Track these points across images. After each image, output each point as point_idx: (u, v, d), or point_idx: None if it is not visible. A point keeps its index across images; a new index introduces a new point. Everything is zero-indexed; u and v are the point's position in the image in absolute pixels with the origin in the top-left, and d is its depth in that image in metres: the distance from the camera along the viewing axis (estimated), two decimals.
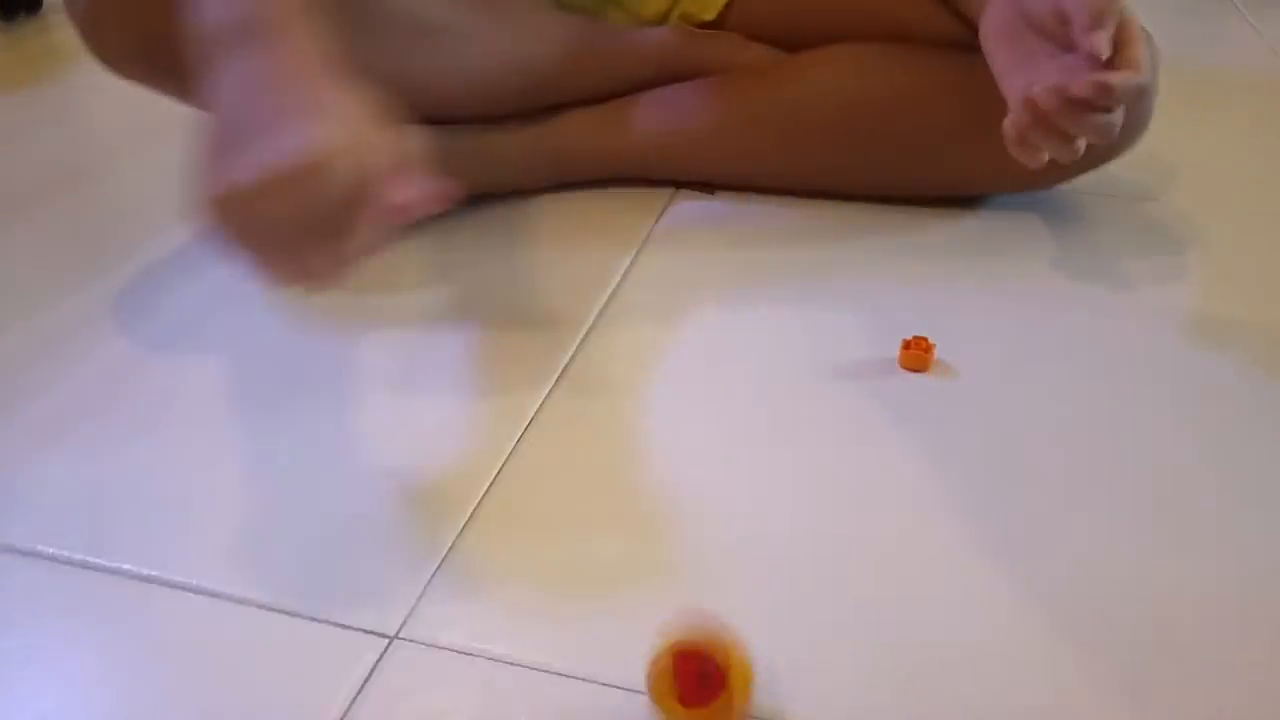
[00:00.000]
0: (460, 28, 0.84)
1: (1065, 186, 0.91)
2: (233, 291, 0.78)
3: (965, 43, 0.84)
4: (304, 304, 0.77)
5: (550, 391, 0.67)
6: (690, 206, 0.92)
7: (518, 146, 0.90)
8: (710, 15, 0.98)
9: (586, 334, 0.73)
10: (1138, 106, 0.82)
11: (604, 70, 0.94)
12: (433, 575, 0.54)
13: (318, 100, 0.53)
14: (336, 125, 0.51)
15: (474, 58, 0.86)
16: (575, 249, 0.85)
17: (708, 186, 0.94)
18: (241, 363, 0.71)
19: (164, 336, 0.74)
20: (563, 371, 0.69)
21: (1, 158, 1.04)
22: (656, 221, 0.89)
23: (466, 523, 0.57)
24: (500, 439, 0.64)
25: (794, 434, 0.64)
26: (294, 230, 0.52)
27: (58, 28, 1.41)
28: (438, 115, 0.87)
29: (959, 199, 0.91)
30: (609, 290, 0.79)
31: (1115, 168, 0.88)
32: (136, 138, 1.06)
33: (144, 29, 0.72)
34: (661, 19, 1.00)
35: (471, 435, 0.64)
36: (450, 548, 0.56)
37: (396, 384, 0.68)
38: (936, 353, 0.70)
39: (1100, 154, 0.85)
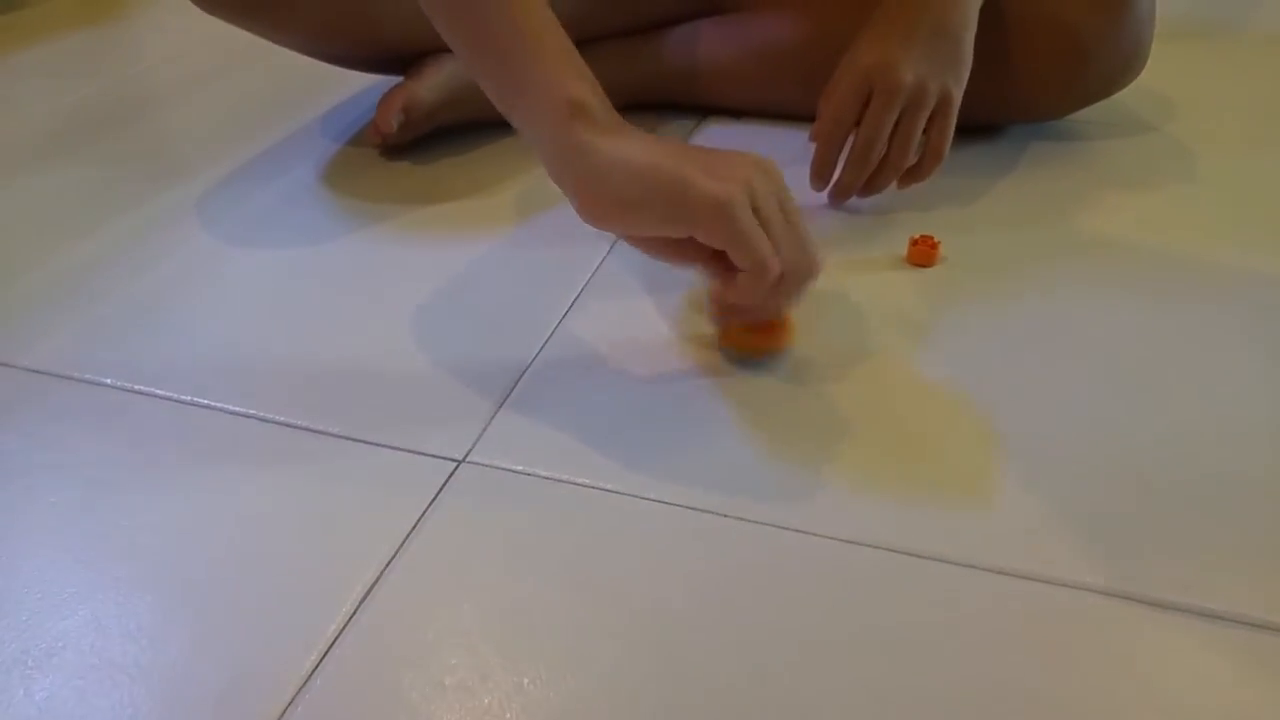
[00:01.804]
0: None
1: (1073, 116, 0.97)
2: (299, 196, 0.87)
3: None
4: (359, 209, 0.85)
5: (605, 256, 0.75)
6: (718, 131, 0.99)
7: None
8: None
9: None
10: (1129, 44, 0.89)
11: (637, 10, 1.01)
12: (498, 407, 0.62)
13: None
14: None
15: None
16: None
17: (733, 114, 1.01)
18: (312, 249, 0.79)
19: (241, 232, 0.82)
20: (610, 249, 0.77)
21: (76, 88, 1.12)
22: (690, 138, 0.96)
23: (529, 364, 0.65)
24: (564, 291, 0.72)
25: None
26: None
27: None
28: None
29: (968, 128, 0.98)
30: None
31: (1123, 98, 0.95)
32: (202, 72, 1.15)
33: None
34: None
35: (530, 298, 0.71)
36: (514, 385, 0.63)
37: (459, 264, 0.76)
38: (942, 250, 0.76)
39: (1099, 87, 0.92)
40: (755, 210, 0.58)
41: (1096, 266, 0.76)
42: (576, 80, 0.60)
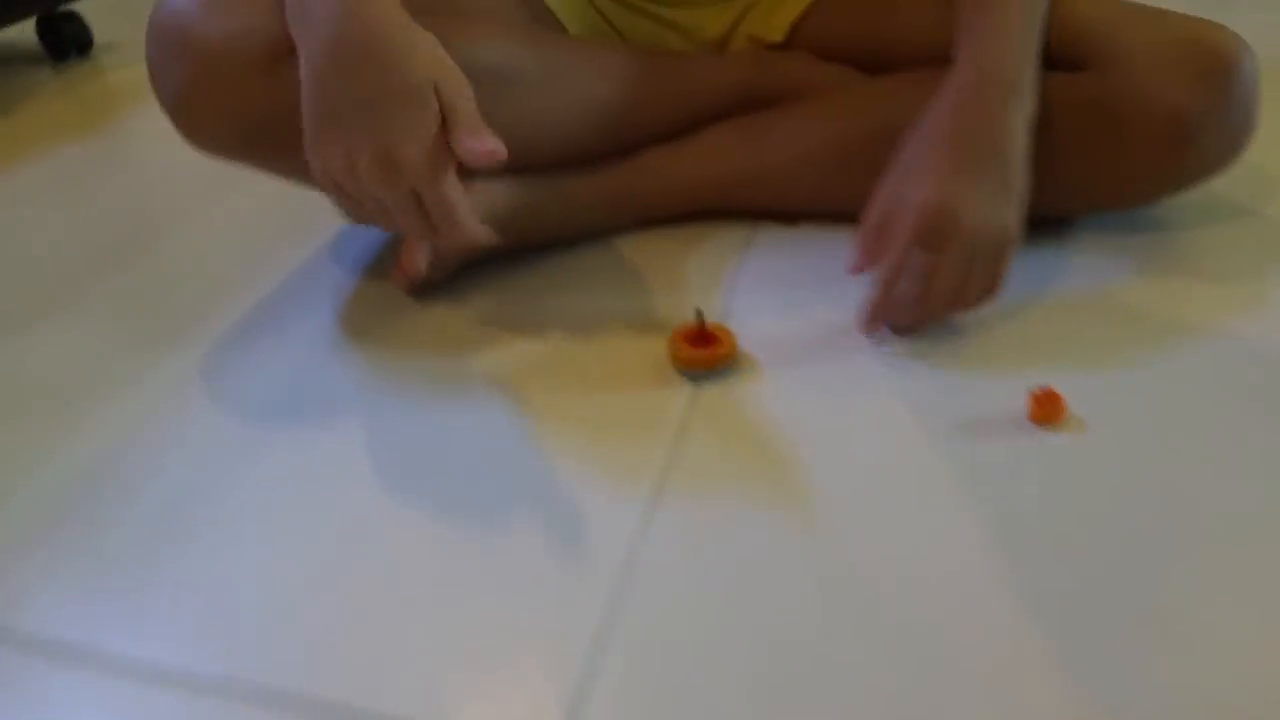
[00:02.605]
0: (533, 75, 0.82)
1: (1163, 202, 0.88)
2: (318, 357, 0.77)
3: (1045, 61, 0.80)
4: (399, 366, 0.75)
5: (674, 448, 0.65)
6: (773, 240, 0.89)
7: (597, 190, 0.88)
8: (779, 36, 0.96)
9: (693, 394, 0.71)
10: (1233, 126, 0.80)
11: (678, 104, 0.92)
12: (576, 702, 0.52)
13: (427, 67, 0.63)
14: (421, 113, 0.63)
15: (549, 105, 0.83)
16: (662, 297, 0.82)
17: (789, 218, 0.92)
18: (341, 436, 0.69)
19: (256, 417, 0.71)
20: (680, 427, 0.67)
21: (67, 212, 1.02)
22: (741, 262, 0.86)
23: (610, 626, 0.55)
24: (628, 496, 0.62)
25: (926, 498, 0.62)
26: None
27: (110, 69, 1.40)
28: (515, 165, 0.84)
29: (1047, 219, 0.88)
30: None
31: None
32: (201, 186, 1.04)
33: (243, 112, 0.70)
34: (723, 40, 0.98)
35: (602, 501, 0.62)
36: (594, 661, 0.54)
37: (525, 450, 0.66)
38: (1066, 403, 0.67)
39: (1201, 171, 0.83)
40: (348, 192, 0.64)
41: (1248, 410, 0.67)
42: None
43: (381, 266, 0.88)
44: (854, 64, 0.92)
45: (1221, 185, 0.90)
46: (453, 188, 0.65)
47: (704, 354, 0.73)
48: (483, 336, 0.78)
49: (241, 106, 0.70)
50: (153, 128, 1.21)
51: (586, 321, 0.79)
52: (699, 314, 0.73)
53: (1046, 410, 0.66)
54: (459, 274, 0.83)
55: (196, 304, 0.85)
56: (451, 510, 0.62)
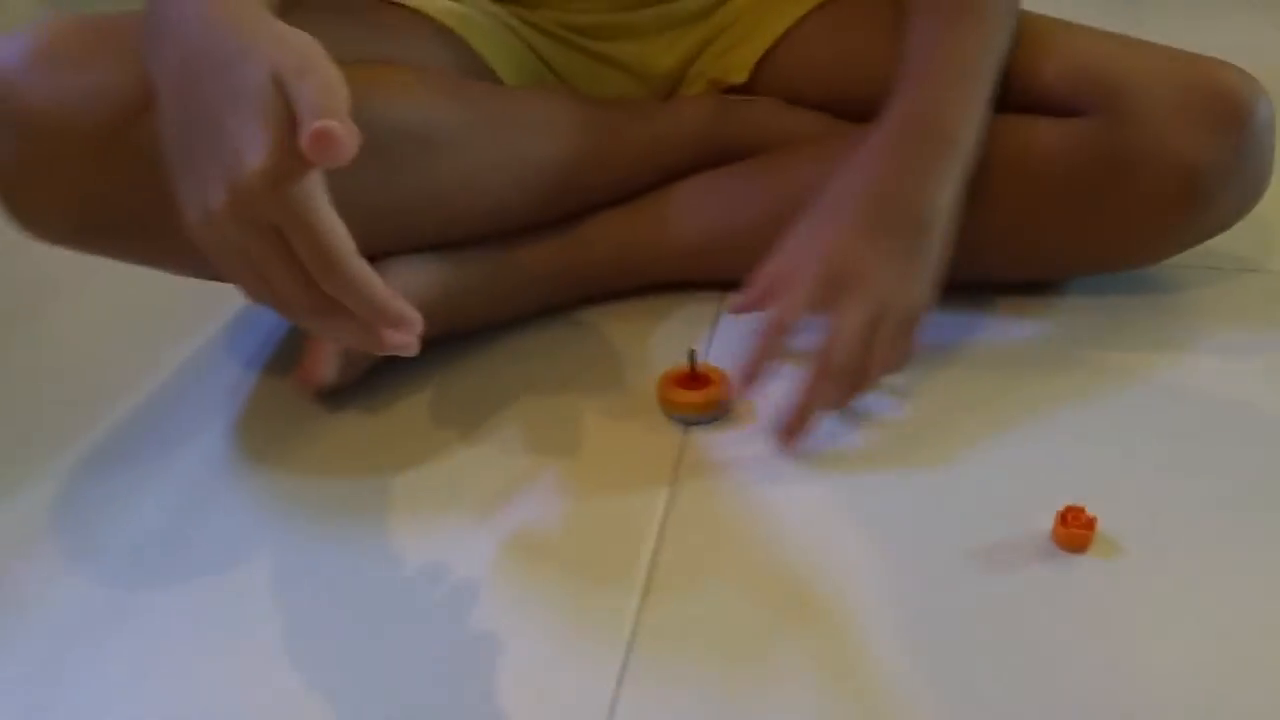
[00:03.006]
0: (459, 133, 0.70)
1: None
2: (211, 484, 0.64)
3: (1038, 105, 0.72)
4: (307, 493, 0.62)
5: (645, 590, 0.54)
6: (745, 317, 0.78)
7: (539, 264, 0.76)
8: (742, 77, 0.85)
9: (663, 517, 0.60)
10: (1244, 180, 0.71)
11: (630, 160, 0.81)
12: None
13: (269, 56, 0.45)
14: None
15: (477, 166, 0.72)
16: (617, 387, 0.71)
17: None
18: (240, 593, 0.56)
19: (129, 578, 0.58)
20: (652, 561, 0.56)
21: None
22: (710, 344, 0.75)
23: None
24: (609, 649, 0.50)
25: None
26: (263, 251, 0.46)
27: None
28: (444, 238, 0.72)
29: (1036, 283, 0.80)
30: (672, 461, 0.65)
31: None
32: (65, 261, 0.90)
33: (87, 195, 0.57)
34: (676, 80, 0.87)
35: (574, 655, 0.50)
36: None
37: (465, 591, 0.55)
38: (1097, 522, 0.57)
39: (1213, 229, 0.74)
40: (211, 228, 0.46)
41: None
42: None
43: (284, 355, 0.75)
44: (830, 109, 0.82)
45: (1224, 238, 0.82)
46: (327, 215, 0.46)
47: (696, 397, 0.66)
48: (406, 449, 0.66)
49: (85, 188, 0.57)
50: None
51: (531, 421, 0.68)
52: (691, 355, 0.67)
53: (1075, 534, 0.56)
54: (374, 371, 0.71)
55: (54, 420, 0.71)
56: (379, 673, 0.50)
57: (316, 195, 0.45)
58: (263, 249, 0.46)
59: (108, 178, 0.57)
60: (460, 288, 0.72)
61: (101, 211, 0.58)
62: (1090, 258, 0.78)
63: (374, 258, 0.63)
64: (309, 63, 0.45)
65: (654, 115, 0.82)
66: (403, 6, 0.77)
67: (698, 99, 0.84)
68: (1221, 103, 0.70)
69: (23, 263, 0.90)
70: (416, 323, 0.48)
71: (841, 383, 0.63)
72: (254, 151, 0.44)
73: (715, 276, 0.81)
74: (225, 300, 0.80)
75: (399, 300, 0.48)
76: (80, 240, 0.61)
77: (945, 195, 0.66)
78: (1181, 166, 0.69)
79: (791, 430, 0.63)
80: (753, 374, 0.62)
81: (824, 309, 0.63)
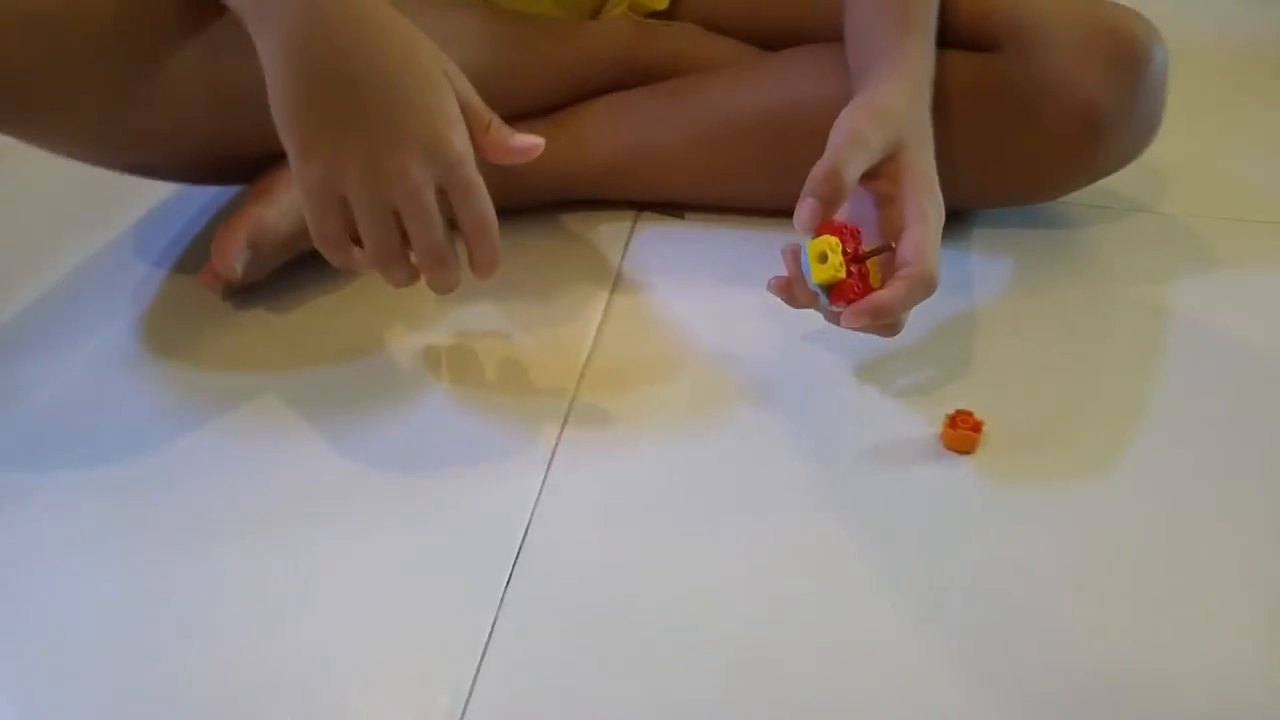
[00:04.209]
0: None
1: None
2: (111, 377, 0.63)
3: (949, 39, 0.74)
4: (209, 386, 0.62)
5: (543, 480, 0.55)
6: (658, 236, 0.80)
7: None
8: (662, 4, 0.86)
9: (568, 410, 0.61)
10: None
11: (546, 76, 0.81)
12: None
13: (427, 71, 0.54)
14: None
15: None
16: (536, 302, 0.71)
17: (675, 209, 0.82)
18: (140, 476, 0.56)
19: (24, 456, 0.57)
20: (556, 446, 0.57)
21: None
22: (623, 258, 0.76)
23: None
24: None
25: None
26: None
27: None
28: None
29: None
30: (580, 364, 0.66)
31: None
32: None
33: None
34: (599, 6, 0.87)
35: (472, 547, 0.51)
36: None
37: (366, 486, 0.55)
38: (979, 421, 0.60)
39: (1111, 166, 0.77)
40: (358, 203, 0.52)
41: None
42: None
43: (194, 256, 0.74)
44: (747, 37, 0.83)
45: (1114, 179, 0.86)
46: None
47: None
48: (313, 349, 0.66)
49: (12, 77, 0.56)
50: None
51: (435, 324, 0.68)
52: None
53: (962, 435, 0.59)
54: (281, 271, 0.70)
55: None
56: (276, 558, 0.50)
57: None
58: (426, 213, 0.53)
59: (17, 48, 0.55)
60: None
61: (11, 79, 0.57)
62: (995, 188, 0.80)
63: (265, 161, 0.65)
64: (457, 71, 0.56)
65: (572, 34, 0.82)
66: None
67: (616, 21, 0.85)
68: (1120, 45, 0.72)
69: None
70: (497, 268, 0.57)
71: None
72: (460, 124, 0.54)
73: (628, 195, 0.81)
74: (134, 194, 0.79)
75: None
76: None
77: None
78: (1081, 103, 0.72)
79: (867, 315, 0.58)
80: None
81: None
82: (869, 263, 0.59)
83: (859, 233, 0.60)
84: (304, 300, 0.70)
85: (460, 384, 0.63)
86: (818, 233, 0.57)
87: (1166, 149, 0.83)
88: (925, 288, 0.57)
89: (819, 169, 0.59)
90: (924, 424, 0.61)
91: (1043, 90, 0.72)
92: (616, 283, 0.74)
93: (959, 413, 0.59)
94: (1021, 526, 0.55)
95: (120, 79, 0.59)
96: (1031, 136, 0.74)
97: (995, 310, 0.73)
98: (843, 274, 0.57)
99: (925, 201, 0.60)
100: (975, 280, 0.76)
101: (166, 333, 0.67)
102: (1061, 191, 0.80)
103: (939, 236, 0.60)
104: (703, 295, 0.72)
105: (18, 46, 0.56)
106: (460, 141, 0.54)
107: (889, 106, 0.63)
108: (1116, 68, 0.72)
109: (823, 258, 0.57)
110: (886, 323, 0.59)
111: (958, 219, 0.81)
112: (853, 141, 0.60)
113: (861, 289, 0.57)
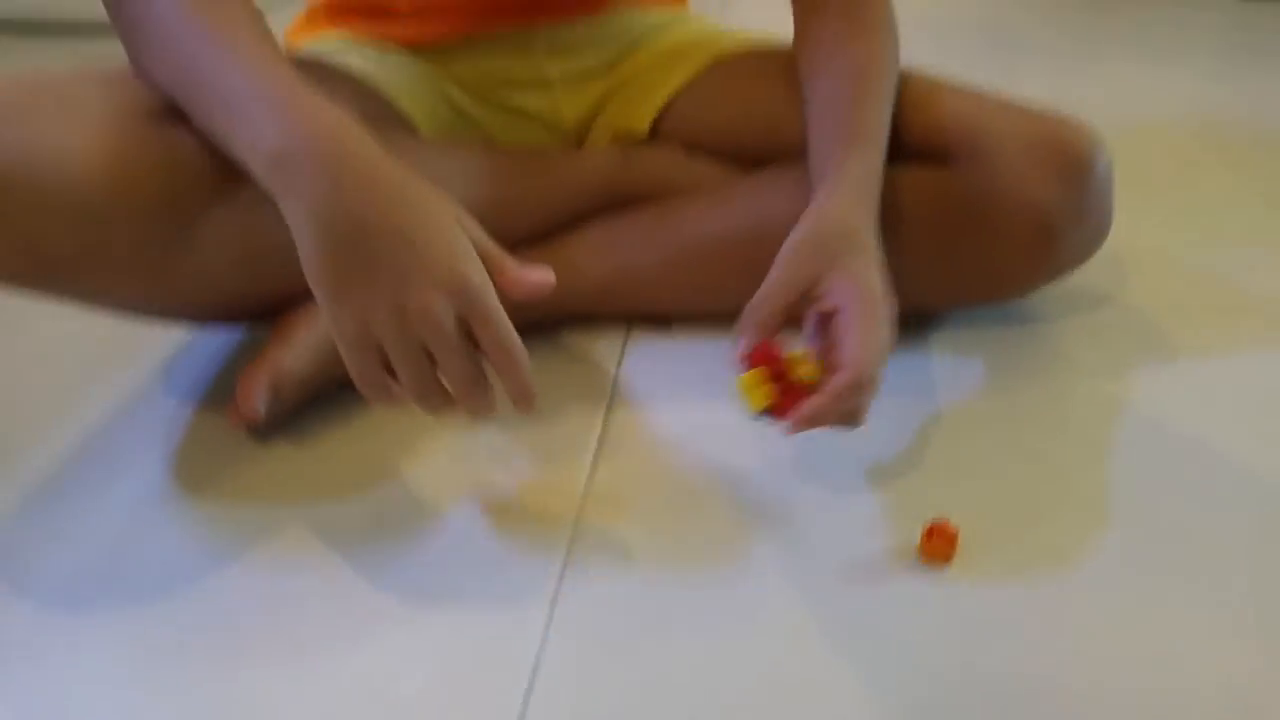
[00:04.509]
0: None
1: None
2: (148, 514, 0.68)
3: (911, 154, 0.80)
4: (240, 522, 0.67)
5: (556, 593, 0.60)
6: (649, 349, 0.85)
7: None
8: (643, 126, 0.92)
9: (571, 537, 0.66)
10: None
11: (538, 206, 0.87)
12: None
13: (435, 214, 0.59)
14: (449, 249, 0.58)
15: None
16: (537, 423, 0.76)
17: (663, 321, 0.88)
18: (180, 612, 0.61)
19: (74, 582, 0.62)
20: (563, 571, 0.62)
21: None
22: (616, 374, 0.82)
23: None
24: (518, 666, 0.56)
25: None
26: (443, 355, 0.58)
27: None
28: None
29: (921, 315, 0.87)
30: (581, 488, 0.71)
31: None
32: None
33: (29, 239, 0.61)
34: (584, 129, 0.94)
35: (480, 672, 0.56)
36: None
37: (388, 613, 0.60)
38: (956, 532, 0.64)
39: (1066, 266, 0.83)
40: (390, 344, 0.57)
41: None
42: (267, 132, 0.58)
43: (220, 389, 0.79)
44: (725, 157, 0.89)
45: (1078, 270, 0.92)
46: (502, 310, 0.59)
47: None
48: (333, 481, 0.71)
49: (30, 237, 0.61)
50: None
51: (440, 451, 0.73)
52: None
53: (939, 546, 0.64)
54: (301, 408, 0.75)
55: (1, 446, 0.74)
56: (318, 695, 0.55)
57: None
58: (452, 343, 0.57)
59: (52, 224, 0.61)
60: None
61: (47, 252, 0.62)
62: (957, 292, 0.86)
63: (296, 297, 0.71)
64: (468, 216, 0.61)
65: (562, 165, 0.89)
66: (323, 65, 0.83)
67: (601, 149, 0.91)
68: (1066, 155, 0.78)
69: None
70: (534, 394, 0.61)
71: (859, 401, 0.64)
72: (476, 260, 0.58)
73: (619, 311, 0.87)
74: (158, 334, 0.84)
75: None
76: (26, 278, 0.64)
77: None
78: (1034, 211, 0.78)
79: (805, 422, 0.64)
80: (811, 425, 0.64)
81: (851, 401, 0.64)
82: (807, 369, 0.65)
83: (779, 357, 0.66)
84: (319, 435, 0.75)
85: (467, 513, 0.68)
86: (749, 364, 0.65)
87: (1129, 236, 0.90)
88: (856, 391, 0.63)
89: (748, 307, 0.67)
90: (904, 535, 0.65)
91: (997, 201, 0.78)
92: (612, 399, 0.79)
93: (934, 526, 0.64)
94: (999, 633, 0.59)
95: (159, 249, 0.65)
96: (989, 244, 0.80)
97: (965, 412, 0.78)
98: (773, 399, 0.64)
99: (861, 309, 0.65)
100: (943, 383, 0.81)
101: (196, 469, 0.72)
102: (1020, 293, 0.86)
103: (882, 338, 0.65)
104: (693, 410, 0.77)
105: (63, 231, 0.61)
106: (476, 275, 0.58)
107: (826, 227, 0.70)
108: (1064, 177, 0.78)
109: (754, 388, 0.64)
110: (833, 423, 0.64)
111: (925, 320, 0.87)
112: (779, 278, 0.68)
113: (797, 403, 0.63)
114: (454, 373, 0.58)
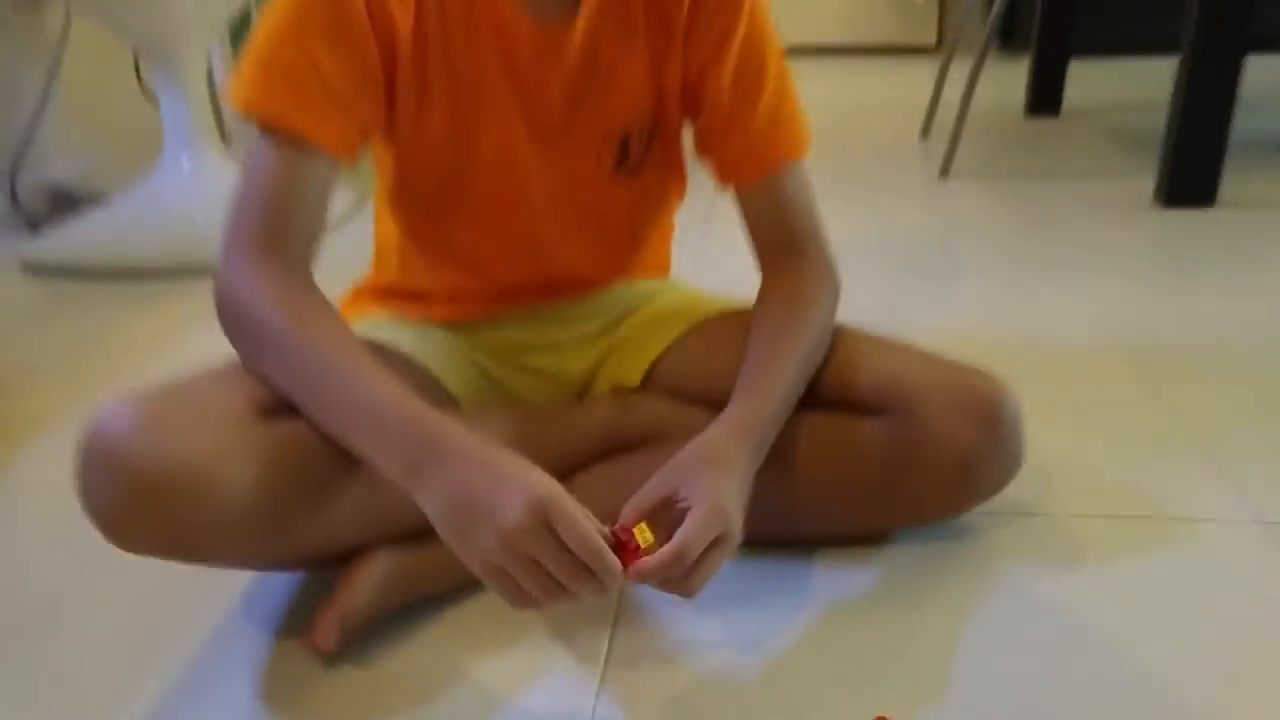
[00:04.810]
0: None
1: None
2: None
3: (852, 405, 0.99)
4: None
5: None
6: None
7: None
8: (636, 380, 1.11)
9: None
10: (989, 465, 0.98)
11: (558, 450, 1.04)
12: None
13: (511, 470, 0.78)
14: (533, 484, 0.76)
15: None
16: (542, 645, 0.92)
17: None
18: None
19: None
20: None
21: None
22: (619, 600, 0.99)
23: None
24: None
25: None
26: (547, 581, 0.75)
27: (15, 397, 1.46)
28: (415, 530, 0.95)
29: (861, 536, 1.05)
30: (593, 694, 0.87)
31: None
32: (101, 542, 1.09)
33: (174, 531, 0.79)
34: (587, 381, 1.13)
35: None
36: None
37: None
38: None
39: (985, 495, 1.01)
40: (510, 567, 0.74)
41: None
42: (399, 453, 0.79)
43: (294, 623, 0.95)
44: (707, 405, 1.04)
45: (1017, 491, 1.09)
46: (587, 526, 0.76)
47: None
48: (386, 700, 0.86)
49: (181, 530, 0.79)
50: (44, 477, 1.27)
51: (502, 672, 0.89)
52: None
53: None
54: (365, 635, 0.92)
55: (101, 687, 0.89)
56: None
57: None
58: (558, 554, 0.74)
59: (193, 522, 0.79)
60: (425, 561, 0.94)
61: (185, 543, 0.80)
62: (894, 517, 1.03)
63: (360, 550, 0.88)
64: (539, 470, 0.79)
65: (568, 416, 1.08)
66: (379, 344, 1.03)
67: (602, 398, 1.11)
68: (981, 405, 0.97)
69: (61, 545, 1.10)
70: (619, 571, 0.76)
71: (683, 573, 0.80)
72: (562, 493, 0.77)
73: None
74: (235, 577, 1.01)
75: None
76: (164, 556, 0.82)
77: (750, 470, 0.89)
78: (955, 452, 0.96)
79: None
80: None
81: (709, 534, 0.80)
82: (645, 537, 0.81)
83: (631, 527, 0.82)
84: (377, 657, 0.91)
85: None
86: (613, 539, 0.80)
87: (1047, 451, 1.07)
88: (677, 562, 0.78)
89: (628, 503, 0.86)
90: None
91: (925, 445, 0.96)
92: (616, 621, 0.95)
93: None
94: None
95: (286, 529, 0.85)
96: (920, 479, 0.97)
97: (905, 622, 0.93)
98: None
99: (702, 508, 0.81)
100: (889, 596, 0.97)
101: (280, 692, 0.87)
102: (947, 516, 1.03)
103: (711, 531, 0.80)
104: (688, 626, 0.94)
105: (203, 521, 0.79)
106: (547, 493, 0.75)
107: (699, 451, 0.88)
108: (980, 423, 0.96)
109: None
110: (662, 586, 0.80)
111: (873, 541, 1.04)
112: (652, 483, 0.87)
113: (633, 560, 0.79)
114: (559, 571, 0.74)
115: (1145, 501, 1.11)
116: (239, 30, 2.61)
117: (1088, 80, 3.57)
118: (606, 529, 0.79)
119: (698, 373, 1.10)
